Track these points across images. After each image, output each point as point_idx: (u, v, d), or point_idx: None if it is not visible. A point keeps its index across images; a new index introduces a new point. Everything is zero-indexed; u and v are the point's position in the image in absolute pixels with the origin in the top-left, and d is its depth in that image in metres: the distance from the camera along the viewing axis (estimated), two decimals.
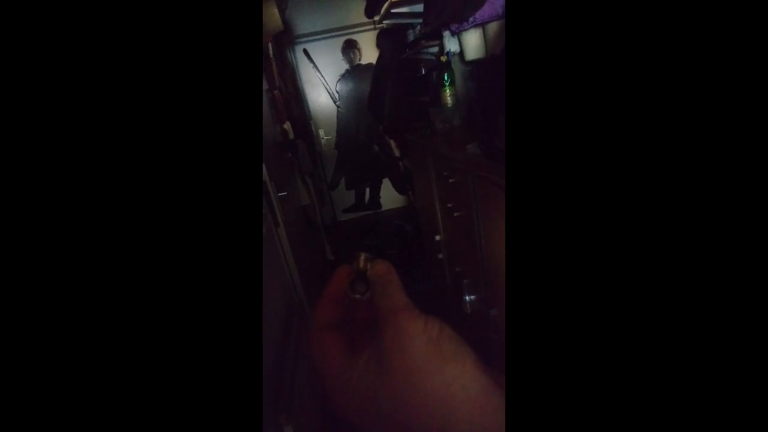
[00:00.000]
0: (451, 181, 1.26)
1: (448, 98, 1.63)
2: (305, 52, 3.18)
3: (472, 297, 1.33)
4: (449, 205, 1.36)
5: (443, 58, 1.60)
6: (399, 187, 3.31)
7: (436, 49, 1.79)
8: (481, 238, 1.12)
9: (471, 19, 1.04)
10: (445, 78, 1.61)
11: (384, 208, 3.58)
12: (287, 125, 2.21)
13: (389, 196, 3.52)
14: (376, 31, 2.93)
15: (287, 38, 3.08)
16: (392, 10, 1.69)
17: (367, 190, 3.51)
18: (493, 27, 1.28)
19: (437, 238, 1.70)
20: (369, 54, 3.10)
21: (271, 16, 2.15)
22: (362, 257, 0.24)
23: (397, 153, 3.13)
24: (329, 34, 3.19)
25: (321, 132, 3.42)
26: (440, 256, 1.73)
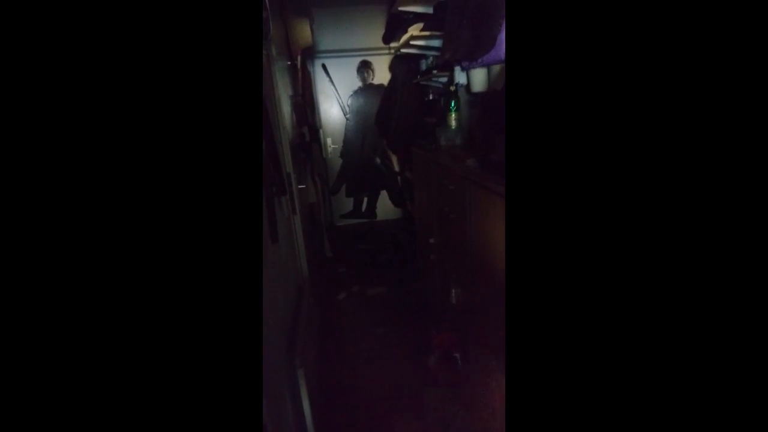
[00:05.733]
0: (451, 188, 1.50)
1: (453, 121, 1.90)
2: (323, 66, 3.46)
3: (458, 289, 1.55)
4: (446, 209, 1.60)
5: (452, 88, 1.88)
6: (395, 200, 3.55)
7: (445, 79, 2.07)
8: (472, 237, 1.35)
9: (479, 60, 1.31)
10: (452, 104, 1.89)
11: (379, 218, 3.82)
12: (305, 129, 2.46)
13: (384, 208, 3.76)
14: (391, 56, 3.22)
15: (308, 52, 3.36)
16: (411, 42, 1.97)
17: (365, 199, 3.75)
18: (496, 68, 1.56)
19: (431, 240, 1.94)
20: (381, 75, 3.40)
21: (304, 32, 2.43)
22: None
23: (396, 168, 3.38)
24: (347, 54, 3.49)
25: (329, 140, 3.68)
26: (432, 257, 1.96)
